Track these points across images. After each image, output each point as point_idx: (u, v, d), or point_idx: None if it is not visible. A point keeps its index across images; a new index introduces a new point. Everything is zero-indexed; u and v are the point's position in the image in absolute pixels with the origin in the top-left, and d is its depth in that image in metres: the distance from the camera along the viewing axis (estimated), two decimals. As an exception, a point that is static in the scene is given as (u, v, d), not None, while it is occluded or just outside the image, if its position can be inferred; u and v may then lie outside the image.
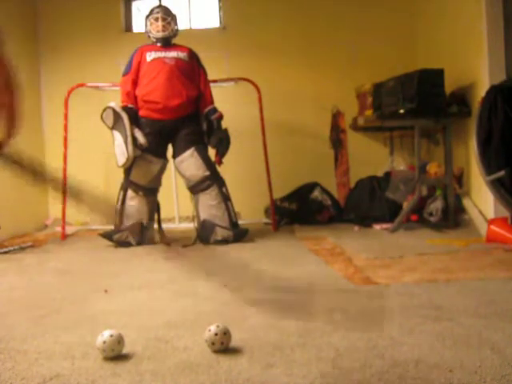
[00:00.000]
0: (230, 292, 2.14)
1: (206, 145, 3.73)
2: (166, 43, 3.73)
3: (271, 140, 4.28)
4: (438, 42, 4.40)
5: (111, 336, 1.42)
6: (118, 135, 3.59)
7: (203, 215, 3.62)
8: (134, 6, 5.18)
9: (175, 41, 3.82)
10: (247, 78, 4.21)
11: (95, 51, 4.97)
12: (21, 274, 2.82)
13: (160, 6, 3.84)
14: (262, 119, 4.20)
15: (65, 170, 4.16)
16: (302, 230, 4.10)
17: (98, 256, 3.33)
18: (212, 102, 3.78)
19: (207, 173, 3.61)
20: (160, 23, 3.69)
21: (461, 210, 3.91)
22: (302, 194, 4.57)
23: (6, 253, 3.45)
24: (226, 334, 1.45)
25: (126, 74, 3.73)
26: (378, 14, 4.86)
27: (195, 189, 3.64)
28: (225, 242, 3.51)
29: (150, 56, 3.68)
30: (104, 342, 1.41)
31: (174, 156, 3.72)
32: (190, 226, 4.51)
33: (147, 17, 3.77)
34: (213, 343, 1.44)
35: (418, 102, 3.62)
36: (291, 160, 4.83)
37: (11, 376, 1.33)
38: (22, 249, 3.58)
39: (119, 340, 1.43)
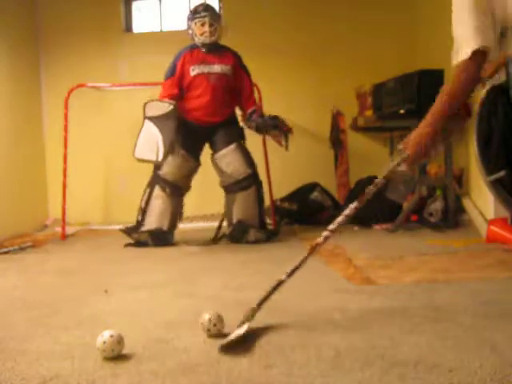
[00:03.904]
0: (230, 292, 2.14)
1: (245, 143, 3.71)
2: (211, 49, 3.62)
3: (271, 140, 4.29)
4: (438, 42, 4.39)
5: (111, 336, 1.42)
6: (155, 130, 3.46)
7: (238, 215, 3.55)
8: (134, 5, 5.18)
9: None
10: (247, 78, 4.21)
11: (95, 51, 4.97)
12: (21, 273, 2.82)
13: (207, 7, 3.65)
14: (262, 119, 4.20)
15: (65, 170, 4.16)
16: (302, 231, 4.10)
17: (98, 256, 3.34)
18: (254, 104, 3.72)
19: (249, 170, 3.56)
20: (207, 29, 3.54)
21: (461, 210, 3.91)
22: (302, 195, 4.57)
23: (6, 253, 3.45)
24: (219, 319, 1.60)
25: (169, 77, 3.59)
26: (378, 14, 4.85)
27: (234, 187, 3.55)
28: (257, 242, 3.49)
29: (193, 70, 3.57)
30: (104, 343, 1.41)
31: (214, 152, 3.64)
32: (192, 225, 4.52)
33: (192, 17, 3.60)
34: (208, 329, 1.56)
35: (418, 103, 3.62)
36: (291, 160, 4.83)
37: (11, 376, 1.33)
38: (22, 249, 3.58)
39: (119, 340, 1.43)
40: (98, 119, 4.96)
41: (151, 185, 3.60)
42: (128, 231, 3.61)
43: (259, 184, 3.64)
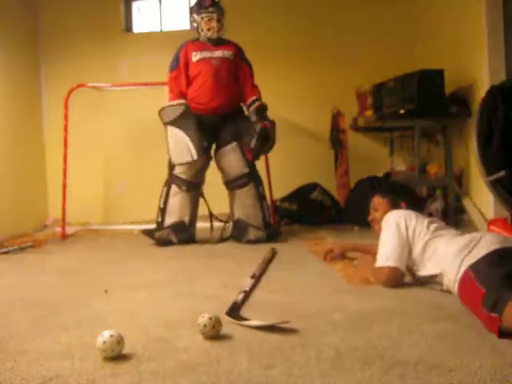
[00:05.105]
0: (229, 292, 2.14)
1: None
2: (216, 42, 3.64)
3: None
4: (438, 42, 4.40)
5: (111, 336, 1.42)
6: (179, 132, 3.47)
7: (237, 214, 3.60)
8: (134, 6, 5.18)
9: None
10: (247, 78, 4.21)
11: (95, 51, 4.97)
12: (21, 274, 2.82)
13: (213, 2, 3.62)
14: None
15: (65, 170, 4.16)
16: (302, 231, 4.10)
17: (97, 256, 3.33)
18: (254, 93, 3.66)
19: (246, 170, 3.59)
20: (215, 24, 3.56)
21: (461, 210, 3.90)
22: (302, 195, 4.57)
23: (6, 253, 3.45)
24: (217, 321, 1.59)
25: (173, 69, 3.62)
26: (378, 14, 4.85)
27: (232, 184, 3.62)
28: (257, 242, 3.49)
29: (195, 56, 3.59)
30: (104, 343, 1.41)
31: (217, 149, 3.68)
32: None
33: (199, 11, 3.59)
34: (205, 325, 1.56)
35: (418, 103, 3.62)
36: (291, 160, 4.83)
37: (11, 376, 1.33)
38: (22, 249, 3.58)
39: (119, 340, 1.43)
40: (98, 119, 4.96)
41: (168, 184, 3.62)
42: (150, 232, 3.61)
43: (258, 181, 3.64)
